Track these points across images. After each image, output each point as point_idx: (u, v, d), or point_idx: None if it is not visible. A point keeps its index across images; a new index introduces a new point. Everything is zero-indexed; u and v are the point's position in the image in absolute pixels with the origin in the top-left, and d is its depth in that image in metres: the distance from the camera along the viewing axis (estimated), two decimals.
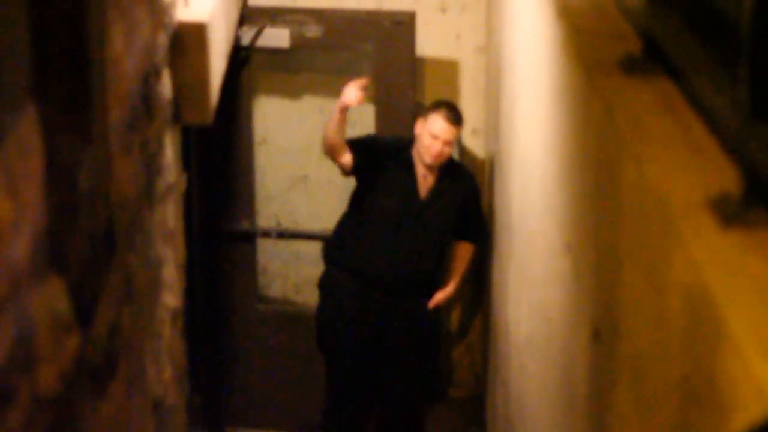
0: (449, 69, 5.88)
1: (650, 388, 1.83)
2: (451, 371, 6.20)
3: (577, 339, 2.58)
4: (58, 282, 1.57)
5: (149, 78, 2.43)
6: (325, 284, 5.39)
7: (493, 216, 5.22)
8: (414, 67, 5.58)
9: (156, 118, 2.52)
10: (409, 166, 5.19)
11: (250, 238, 5.87)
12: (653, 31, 2.16)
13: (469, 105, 5.77)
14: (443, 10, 5.79)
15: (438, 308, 5.44)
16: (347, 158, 5.10)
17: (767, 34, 1.57)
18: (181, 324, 2.93)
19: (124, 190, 2.13)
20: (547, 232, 3.11)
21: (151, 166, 2.48)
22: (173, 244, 2.82)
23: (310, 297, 5.91)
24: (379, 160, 5.18)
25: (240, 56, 5.52)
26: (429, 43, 5.78)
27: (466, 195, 5.32)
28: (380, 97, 5.62)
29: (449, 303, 5.76)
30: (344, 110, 4.98)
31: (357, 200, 5.26)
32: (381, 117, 5.64)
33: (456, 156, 5.52)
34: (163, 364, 2.65)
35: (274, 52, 5.62)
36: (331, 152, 5.16)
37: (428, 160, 5.09)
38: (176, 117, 2.80)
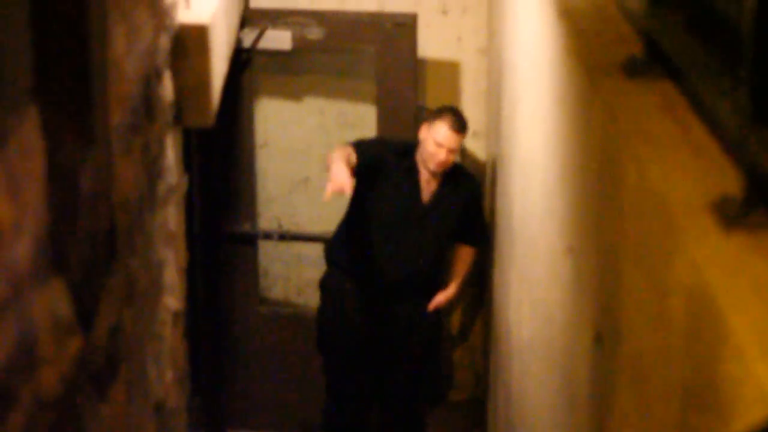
0: (450, 71, 5.88)
1: (652, 390, 1.83)
2: (451, 373, 6.20)
3: (579, 341, 2.58)
4: (59, 284, 1.57)
5: (150, 80, 2.43)
6: (326, 285, 5.39)
7: (495, 218, 5.22)
8: (416, 68, 5.59)
9: (157, 120, 2.52)
10: (412, 170, 5.19)
11: (251, 240, 5.87)
12: (654, 33, 2.16)
13: (471, 107, 5.77)
14: (444, 12, 5.79)
15: (438, 310, 5.44)
16: (352, 160, 5.06)
17: None
18: (182, 326, 2.93)
19: (126, 192, 2.13)
20: (548, 233, 3.11)
21: (153, 168, 2.48)
22: (174, 246, 2.82)
23: (311, 299, 5.91)
24: (383, 162, 5.17)
25: (241, 58, 5.52)
26: (430, 46, 5.79)
27: (469, 199, 5.32)
28: (382, 98, 5.62)
29: (450, 305, 5.76)
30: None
31: (359, 203, 5.25)
32: (382, 119, 5.64)
33: (457, 158, 5.52)
34: (165, 366, 2.65)
35: (275, 54, 5.63)
36: None
37: (432, 167, 5.09)
38: (177, 119, 2.80)
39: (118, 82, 2.03)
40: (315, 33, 5.51)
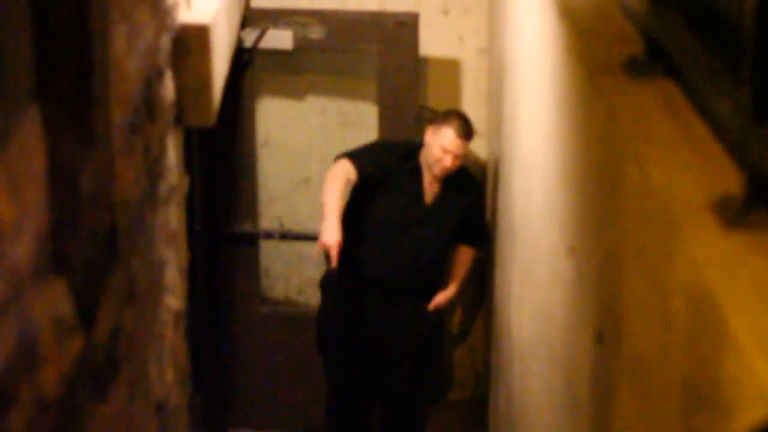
0: (451, 71, 5.88)
1: (653, 390, 1.83)
2: (452, 373, 6.20)
3: (580, 341, 2.58)
4: (60, 284, 1.57)
5: (152, 80, 2.43)
6: (326, 284, 5.39)
7: (496, 218, 5.22)
8: (417, 68, 5.58)
9: (158, 120, 2.52)
10: (416, 172, 5.18)
11: (252, 239, 5.87)
12: (656, 32, 2.16)
13: (472, 107, 5.77)
14: (446, 12, 5.79)
15: (439, 310, 5.44)
16: (351, 179, 5.06)
17: None
18: (183, 326, 2.93)
19: (127, 192, 2.13)
20: (549, 234, 3.11)
21: (154, 168, 2.48)
22: (176, 246, 2.82)
23: (312, 298, 5.91)
24: (384, 168, 5.16)
25: (243, 58, 5.52)
26: (431, 45, 5.78)
27: (471, 201, 5.32)
28: (383, 98, 5.62)
29: (451, 305, 5.76)
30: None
31: (361, 204, 5.24)
32: (384, 118, 5.64)
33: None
34: (166, 365, 2.65)
35: (276, 54, 5.62)
36: None
37: (437, 172, 5.08)
38: (179, 119, 2.80)
39: (119, 81, 2.03)
40: (316, 32, 5.51)
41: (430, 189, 5.20)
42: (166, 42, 2.62)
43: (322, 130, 5.96)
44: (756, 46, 1.58)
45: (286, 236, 5.97)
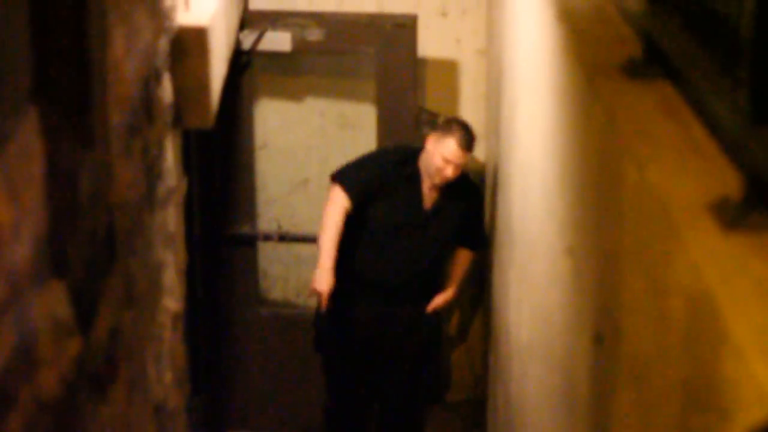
0: (450, 72, 5.88)
1: (651, 391, 1.83)
2: (450, 374, 6.20)
3: (579, 342, 2.58)
4: (58, 286, 1.57)
5: (150, 82, 2.43)
6: None
7: (494, 219, 5.22)
8: (415, 69, 5.59)
9: (157, 122, 2.52)
10: (414, 178, 5.17)
11: (250, 241, 5.87)
12: (654, 34, 2.16)
13: (470, 108, 5.77)
14: (444, 14, 5.79)
15: (438, 311, 5.44)
16: (348, 208, 5.08)
17: (767, 37, 1.58)
18: (181, 327, 2.93)
19: (125, 194, 2.13)
20: (547, 235, 3.11)
21: (152, 170, 2.48)
22: (174, 248, 2.82)
23: (310, 300, 5.91)
24: (380, 180, 5.15)
25: (241, 60, 5.52)
26: (429, 47, 5.79)
27: (470, 206, 5.33)
28: (382, 99, 5.62)
29: (449, 306, 5.76)
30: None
31: (361, 209, 5.22)
32: (382, 119, 5.64)
33: None
34: (164, 367, 2.65)
35: (275, 56, 5.62)
36: None
37: (437, 181, 5.08)
38: (177, 121, 2.80)
39: (117, 83, 2.03)
40: (315, 34, 5.51)
41: (429, 194, 5.20)
42: (164, 44, 2.62)
43: (321, 131, 5.96)
44: (754, 48, 1.59)
45: (284, 238, 5.97)
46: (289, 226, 6.04)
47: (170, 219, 2.75)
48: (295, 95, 5.93)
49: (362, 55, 5.68)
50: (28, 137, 1.44)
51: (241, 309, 5.88)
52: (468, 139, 5.03)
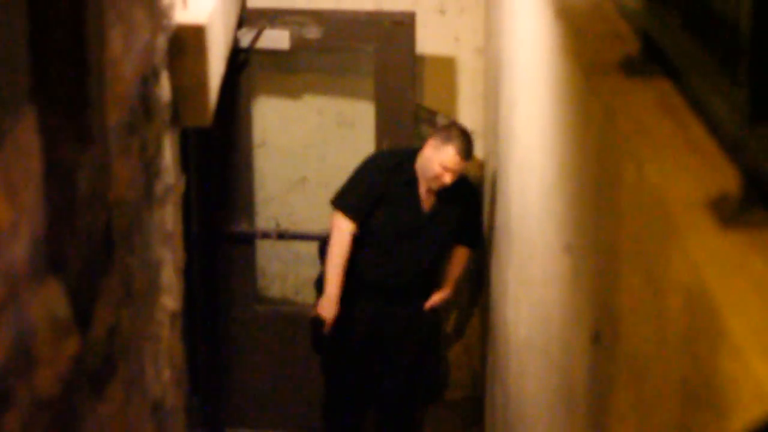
0: (448, 70, 5.88)
1: (650, 389, 1.83)
2: (448, 372, 6.20)
3: (577, 340, 2.58)
4: (56, 284, 1.57)
5: (148, 80, 2.43)
6: (322, 285, 5.38)
7: (492, 217, 5.22)
8: (414, 67, 5.58)
9: (155, 120, 2.52)
10: (411, 182, 5.18)
11: (249, 239, 5.87)
12: (652, 31, 2.16)
13: (468, 106, 5.77)
14: (442, 12, 5.79)
15: (436, 309, 5.44)
16: (355, 232, 5.12)
17: (766, 35, 1.57)
18: (180, 326, 2.93)
19: (123, 193, 2.13)
20: (546, 233, 3.11)
21: (150, 168, 2.48)
22: (172, 246, 2.82)
23: (309, 298, 5.91)
24: (379, 191, 5.17)
25: (239, 58, 5.52)
26: (428, 45, 5.78)
27: (468, 207, 5.34)
28: (380, 97, 5.62)
29: (447, 304, 5.76)
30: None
31: None
32: (381, 117, 5.64)
33: None
34: (162, 365, 2.65)
35: (273, 54, 5.62)
36: None
37: (435, 187, 5.11)
38: (175, 119, 2.79)
39: (115, 82, 2.03)
40: (313, 32, 5.51)
41: (426, 197, 5.20)
42: (162, 42, 2.62)
43: (319, 129, 5.96)
44: (753, 45, 1.58)
45: (282, 236, 5.97)
46: (288, 224, 6.04)
47: (168, 217, 2.75)
48: (294, 93, 5.93)
49: (360, 52, 5.68)
50: (26, 136, 1.44)
51: (239, 307, 5.88)
52: (467, 148, 5.05)
